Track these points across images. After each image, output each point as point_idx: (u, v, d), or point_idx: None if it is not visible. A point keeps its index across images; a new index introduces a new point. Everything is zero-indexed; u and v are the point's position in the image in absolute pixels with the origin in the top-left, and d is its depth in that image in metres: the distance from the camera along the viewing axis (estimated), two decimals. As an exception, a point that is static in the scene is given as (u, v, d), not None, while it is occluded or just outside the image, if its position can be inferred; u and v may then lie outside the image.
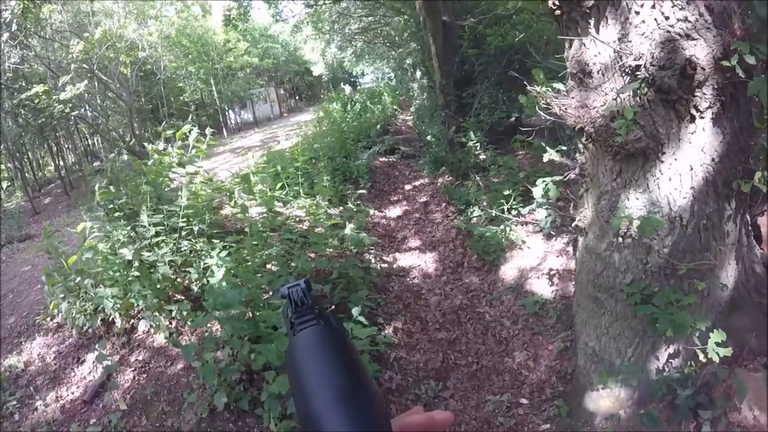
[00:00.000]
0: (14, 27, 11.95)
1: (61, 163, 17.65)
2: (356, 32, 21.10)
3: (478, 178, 8.16)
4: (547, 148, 3.86)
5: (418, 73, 14.92)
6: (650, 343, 3.50)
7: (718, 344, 3.03)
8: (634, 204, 3.21)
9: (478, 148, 8.31)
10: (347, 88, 28.20)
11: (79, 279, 4.77)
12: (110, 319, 4.82)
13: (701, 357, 3.06)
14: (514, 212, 6.57)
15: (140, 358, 4.50)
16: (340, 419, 0.49)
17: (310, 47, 27.32)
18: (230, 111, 28.12)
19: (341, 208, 7.84)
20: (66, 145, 19.17)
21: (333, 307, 4.86)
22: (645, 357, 3.56)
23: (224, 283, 4.32)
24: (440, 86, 9.97)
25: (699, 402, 3.28)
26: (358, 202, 8.32)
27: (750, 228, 3.62)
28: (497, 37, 9.29)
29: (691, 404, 3.28)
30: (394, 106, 20.91)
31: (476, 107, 9.64)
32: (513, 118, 9.58)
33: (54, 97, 12.51)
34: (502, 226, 6.46)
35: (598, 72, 3.14)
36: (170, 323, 4.70)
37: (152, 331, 4.71)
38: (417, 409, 0.63)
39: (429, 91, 12.42)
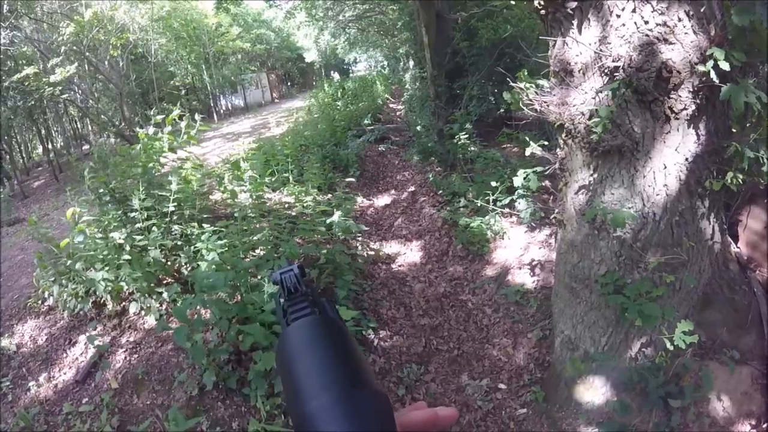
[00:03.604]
0: (5, 8, 11.85)
1: (50, 146, 17.52)
2: (350, 19, 20.97)
3: (465, 169, 8.26)
4: (530, 142, 3.96)
5: (411, 63, 14.90)
6: (623, 333, 3.62)
7: (684, 333, 3.13)
8: (609, 198, 3.33)
9: (467, 139, 8.40)
10: (336, 76, 28.29)
11: (70, 262, 4.83)
12: (101, 301, 4.87)
13: (668, 345, 3.17)
14: (499, 204, 6.68)
15: (131, 339, 4.56)
16: (339, 426, 0.45)
17: (303, 34, 27.02)
18: (221, 96, 27.83)
19: (330, 195, 7.91)
20: (55, 128, 18.99)
21: (319, 291, 4.97)
22: (618, 346, 3.67)
23: (213, 267, 4.42)
24: (431, 77, 10.00)
25: (669, 391, 3.39)
26: (347, 190, 8.37)
27: (725, 226, 3.74)
28: (489, 30, 9.33)
29: (661, 393, 3.39)
30: (386, 95, 20.83)
31: (466, 99, 9.72)
32: (502, 110, 9.65)
33: (44, 79, 12.43)
34: (486, 218, 6.58)
35: (579, 71, 3.24)
36: (161, 306, 4.79)
37: (143, 313, 4.78)
38: (420, 404, 0.59)
39: (420, 82, 12.42)
